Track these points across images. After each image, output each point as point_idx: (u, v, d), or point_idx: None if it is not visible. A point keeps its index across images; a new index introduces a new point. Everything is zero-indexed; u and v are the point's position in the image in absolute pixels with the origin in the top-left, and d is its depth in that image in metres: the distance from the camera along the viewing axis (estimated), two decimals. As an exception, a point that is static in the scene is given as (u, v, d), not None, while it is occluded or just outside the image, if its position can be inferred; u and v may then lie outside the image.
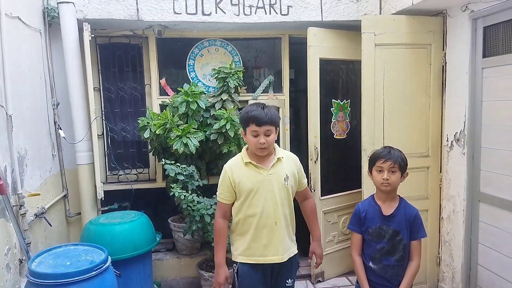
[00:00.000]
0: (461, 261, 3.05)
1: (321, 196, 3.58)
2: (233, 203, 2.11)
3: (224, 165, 2.13)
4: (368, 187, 3.18)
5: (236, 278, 2.10)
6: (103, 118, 3.67)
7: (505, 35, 2.63)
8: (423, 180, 3.29)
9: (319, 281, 3.63)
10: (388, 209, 2.01)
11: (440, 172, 3.27)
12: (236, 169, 2.08)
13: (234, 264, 2.12)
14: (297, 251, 2.18)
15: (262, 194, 2.03)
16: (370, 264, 2.02)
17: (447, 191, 3.21)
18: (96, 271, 2.11)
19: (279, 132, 2.12)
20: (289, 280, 2.14)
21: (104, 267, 2.18)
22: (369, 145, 3.19)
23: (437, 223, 3.31)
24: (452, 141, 3.12)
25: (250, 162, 2.05)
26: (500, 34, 2.67)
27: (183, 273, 3.57)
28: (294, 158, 2.20)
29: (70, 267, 2.12)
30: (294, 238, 2.20)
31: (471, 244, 2.98)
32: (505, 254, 2.66)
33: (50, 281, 2.01)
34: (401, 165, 1.98)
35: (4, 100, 2.36)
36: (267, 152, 2.05)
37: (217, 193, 2.15)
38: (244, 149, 2.14)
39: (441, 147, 3.27)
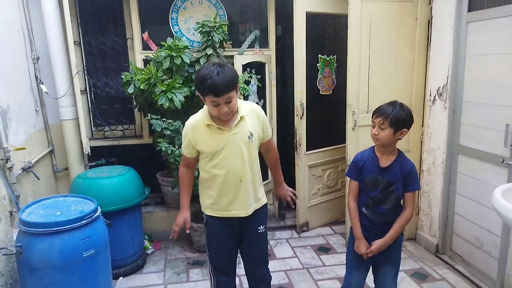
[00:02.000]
0: (439, 210, 3.21)
1: (306, 151, 3.65)
2: (197, 156, 2.10)
3: (186, 122, 2.05)
4: (352, 142, 3.25)
5: (205, 227, 2.19)
6: (85, 73, 3.59)
7: (491, -13, 2.63)
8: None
9: (304, 231, 3.78)
10: (385, 162, 2.08)
11: (422, 126, 3.36)
12: (197, 130, 2.00)
13: (204, 215, 2.18)
14: (266, 201, 2.20)
15: (226, 154, 1.98)
16: (363, 209, 2.13)
17: (428, 144, 3.31)
18: (87, 220, 2.16)
19: (239, 90, 1.97)
20: (261, 226, 2.17)
21: (94, 216, 2.22)
22: (353, 101, 3.22)
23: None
24: (434, 96, 3.18)
25: (212, 124, 1.96)
26: (486, -14, 2.67)
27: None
28: (258, 110, 2.09)
29: (60, 216, 2.16)
30: (262, 189, 2.19)
31: (449, 194, 3.12)
32: (481, 203, 2.80)
33: (42, 230, 2.05)
34: (393, 122, 1.97)
35: (-18, 52, 2.29)
36: (232, 115, 1.97)
37: (182, 146, 2.13)
38: (205, 108, 1.99)
39: (424, 102, 3.33)
